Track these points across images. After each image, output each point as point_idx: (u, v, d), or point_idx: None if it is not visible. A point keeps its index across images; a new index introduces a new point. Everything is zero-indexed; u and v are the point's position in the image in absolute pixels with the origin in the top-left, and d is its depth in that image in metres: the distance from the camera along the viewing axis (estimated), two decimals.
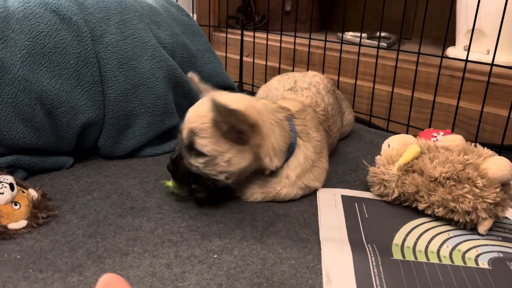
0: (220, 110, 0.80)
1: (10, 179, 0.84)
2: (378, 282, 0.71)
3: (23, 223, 0.82)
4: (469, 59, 1.25)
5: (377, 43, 1.63)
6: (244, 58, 1.81)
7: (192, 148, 0.86)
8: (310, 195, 1.00)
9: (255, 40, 1.76)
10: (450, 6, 1.24)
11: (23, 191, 0.86)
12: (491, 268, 0.76)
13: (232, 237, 0.83)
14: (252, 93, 1.76)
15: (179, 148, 0.90)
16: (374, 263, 0.76)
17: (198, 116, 0.86)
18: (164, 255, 0.77)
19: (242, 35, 1.77)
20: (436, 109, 1.35)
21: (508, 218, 0.88)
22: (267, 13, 1.70)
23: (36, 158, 1.00)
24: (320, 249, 0.80)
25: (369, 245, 0.81)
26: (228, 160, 0.86)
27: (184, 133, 0.88)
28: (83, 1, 1.03)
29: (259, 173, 0.95)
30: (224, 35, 1.90)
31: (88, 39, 0.98)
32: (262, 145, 0.88)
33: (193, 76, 0.96)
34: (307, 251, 0.80)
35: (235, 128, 0.83)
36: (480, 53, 1.39)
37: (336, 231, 0.86)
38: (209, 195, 0.91)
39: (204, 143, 0.85)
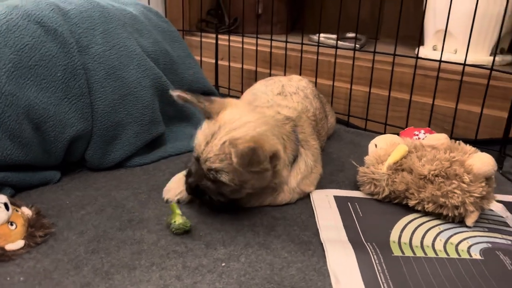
0: (246, 165, 0.81)
1: (3, 198, 0.82)
2: (383, 279, 0.75)
3: (20, 243, 0.80)
4: (438, 58, 1.33)
5: (348, 44, 1.69)
6: (219, 62, 1.82)
7: (217, 180, 0.86)
8: (303, 197, 1.02)
9: (228, 43, 1.77)
10: (424, 9, 1.29)
11: (16, 210, 0.84)
12: (483, 258, 0.81)
13: (236, 244, 0.84)
14: (229, 97, 1.77)
15: (197, 177, 0.89)
16: (377, 261, 0.79)
17: (217, 156, 0.84)
18: (172, 267, 0.77)
19: (216, 38, 1.78)
20: (411, 107, 1.41)
21: (492, 210, 0.93)
22: (242, 16, 1.71)
23: (23, 174, 0.97)
24: (323, 250, 0.83)
25: (368, 244, 0.85)
26: (252, 185, 0.88)
27: (205, 166, 0.86)
28: (66, 12, 1.00)
29: None
30: (196, 38, 1.90)
31: (74, 51, 0.96)
32: (280, 163, 0.90)
33: (185, 95, 0.91)
34: (311, 253, 0.82)
35: None
36: (448, 53, 1.47)
37: (335, 232, 0.89)
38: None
39: (230, 178, 0.85)
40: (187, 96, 0.91)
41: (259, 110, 0.99)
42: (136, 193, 1.02)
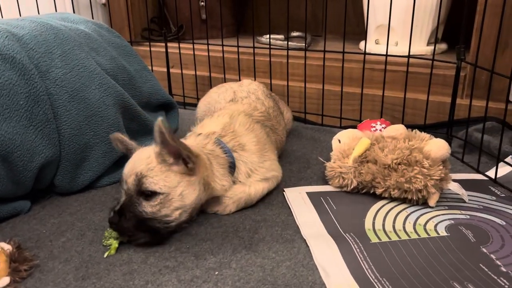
0: (167, 131, 0.83)
1: None
2: (367, 266, 0.81)
3: (5, 280, 0.78)
4: (380, 51, 1.43)
5: (296, 43, 1.75)
6: (171, 70, 1.82)
7: (142, 193, 0.87)
8: (278, 197, 1.07)
9: (176, 51, 1.77)
10: (367, 6, 1.38)
11: None
12: (449, 234, 0.90)
13: (224, 251, 0.87)
14: (184, 104, 1.78)
15: (124, 200, 0.88)
16: (358, 250, 0.85)
17: (140, 160, 0.88)
18: (168, 282, 0.79)
19: (166, 46, 1.77)
20: (362, 100, 1.50)
21: (450, 189, 1.03)
22: (190, 22, 1.72)
23: None
24: (307, 246, 0.88)
25: (347, 235, 0.91)
26: (180, 194, 0.88)
27: (129, 181, 0.87)
28: (20, 37, 0.97)
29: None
30: (143, 48, 1.89)
31: (36, 77, 0.94)
32: (207, 174, 0.93)
33: (118, 137, 0.96)
34: (296, 250, 0.87)
35: (180, 157, 0.87)
36: (390, 45, 1.56)
37: (314, 227, 0.94)
38: (153, 236, 0.89)
39: (155, 181, 0.86)
40: (124, 138, 0.97)
41: None
42: None
